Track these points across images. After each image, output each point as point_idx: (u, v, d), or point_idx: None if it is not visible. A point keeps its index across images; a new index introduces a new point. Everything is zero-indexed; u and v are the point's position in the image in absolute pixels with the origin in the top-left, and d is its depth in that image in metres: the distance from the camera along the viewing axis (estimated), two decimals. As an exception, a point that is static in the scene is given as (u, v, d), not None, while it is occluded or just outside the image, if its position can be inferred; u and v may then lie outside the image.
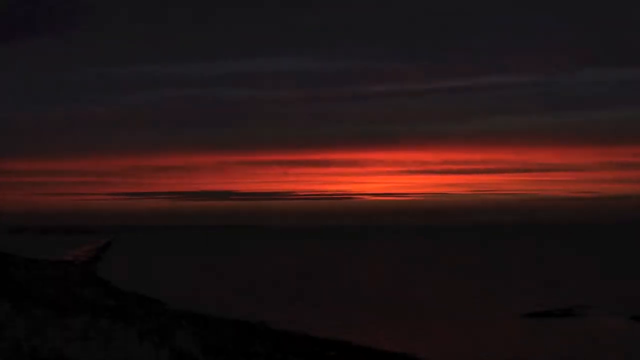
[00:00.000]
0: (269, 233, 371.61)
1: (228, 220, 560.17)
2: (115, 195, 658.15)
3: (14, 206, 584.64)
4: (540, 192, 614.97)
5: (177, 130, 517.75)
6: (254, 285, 71.00)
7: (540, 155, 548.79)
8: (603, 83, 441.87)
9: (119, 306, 47.97)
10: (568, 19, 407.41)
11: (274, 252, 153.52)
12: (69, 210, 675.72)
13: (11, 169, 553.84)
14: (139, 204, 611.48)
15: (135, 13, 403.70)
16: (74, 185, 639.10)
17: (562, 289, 62.39)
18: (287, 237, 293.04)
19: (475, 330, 39.81)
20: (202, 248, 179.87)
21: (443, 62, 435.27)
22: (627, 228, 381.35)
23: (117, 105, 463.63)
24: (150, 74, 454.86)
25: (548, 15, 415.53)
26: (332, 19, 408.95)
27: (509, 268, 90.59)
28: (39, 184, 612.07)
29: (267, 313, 48.51)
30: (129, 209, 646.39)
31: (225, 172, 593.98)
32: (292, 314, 48.44)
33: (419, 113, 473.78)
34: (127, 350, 22.45)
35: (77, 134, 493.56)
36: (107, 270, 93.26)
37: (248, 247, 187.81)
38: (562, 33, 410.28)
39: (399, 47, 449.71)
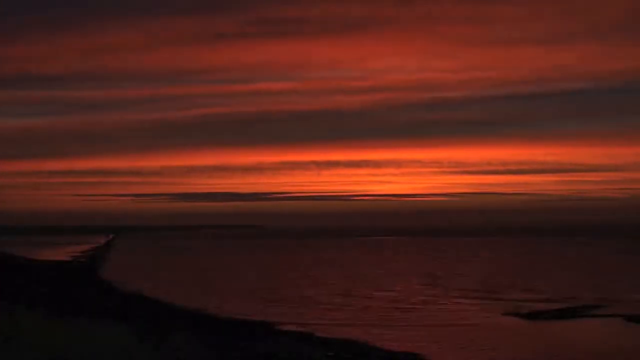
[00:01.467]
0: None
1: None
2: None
3: (15, 206, 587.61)
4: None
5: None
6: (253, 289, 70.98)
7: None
8: None
9: (118, 306, 47.97)
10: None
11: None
12: (69, 210, 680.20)
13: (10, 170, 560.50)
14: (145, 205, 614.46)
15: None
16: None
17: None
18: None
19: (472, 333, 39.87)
20: (218, 249, 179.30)
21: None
22: None
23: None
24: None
25: None
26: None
27: None
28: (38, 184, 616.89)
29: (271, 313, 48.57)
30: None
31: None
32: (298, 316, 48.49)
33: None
34: (126, 351, 22.43)
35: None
36: (108, 270, 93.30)
37: (276, 247, 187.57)
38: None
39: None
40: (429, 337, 38.18)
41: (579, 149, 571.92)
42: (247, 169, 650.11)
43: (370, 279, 75.60)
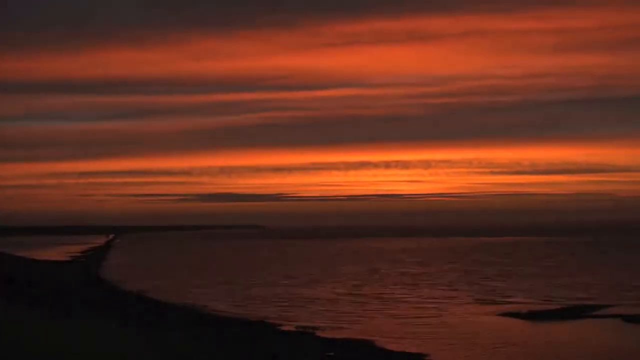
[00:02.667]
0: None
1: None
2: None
3: (14, 207, 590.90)
4: None
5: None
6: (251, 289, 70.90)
7: None
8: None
9: (119, 306, 48.02)
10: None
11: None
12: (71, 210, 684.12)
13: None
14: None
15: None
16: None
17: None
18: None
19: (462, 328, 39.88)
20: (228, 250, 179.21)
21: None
22: None
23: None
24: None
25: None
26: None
27: None
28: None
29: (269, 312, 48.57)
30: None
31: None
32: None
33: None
34: (127, 350, 22.52)
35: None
36: (108, 271, 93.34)
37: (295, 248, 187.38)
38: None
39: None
40: (428, 337, 38.19)
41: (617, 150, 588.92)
42: (277, 170, 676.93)
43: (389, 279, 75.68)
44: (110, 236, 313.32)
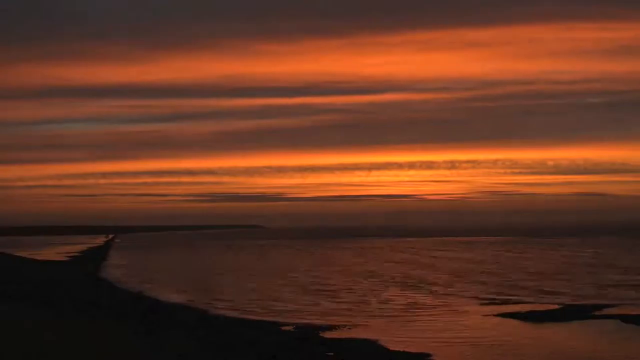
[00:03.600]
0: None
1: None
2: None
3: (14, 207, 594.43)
4: None
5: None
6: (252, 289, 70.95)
7: None
8: None
9: (119, 306, 48.07)
10: None
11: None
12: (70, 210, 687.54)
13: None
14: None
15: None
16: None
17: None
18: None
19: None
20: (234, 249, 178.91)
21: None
22: None
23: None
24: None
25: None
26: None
27: None
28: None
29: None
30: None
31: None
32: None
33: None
34: (127, 349, 22.58)
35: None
36: (108, 270, 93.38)
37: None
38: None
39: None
40: (428, 336, 38.24)
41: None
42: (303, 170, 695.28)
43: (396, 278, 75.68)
44: (110, 236, 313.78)
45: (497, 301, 54.01)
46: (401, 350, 34.15)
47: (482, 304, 52.46)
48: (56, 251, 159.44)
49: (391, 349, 34.49)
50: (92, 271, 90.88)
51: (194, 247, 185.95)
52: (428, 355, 33.01)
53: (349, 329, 41.15)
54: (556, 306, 50.45)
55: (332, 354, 32.26)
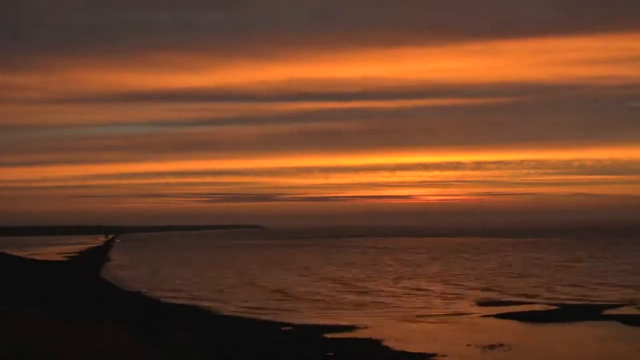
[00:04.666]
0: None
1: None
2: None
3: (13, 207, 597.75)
4: None
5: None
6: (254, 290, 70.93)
7: None
8: None
9: (119, 306, 48.03)
10: None
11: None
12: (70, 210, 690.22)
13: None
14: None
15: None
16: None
17: None
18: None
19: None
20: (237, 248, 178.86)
21: None
22: None
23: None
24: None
25: None
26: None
27: None
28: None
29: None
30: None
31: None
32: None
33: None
34: (126, 350, 22.48)
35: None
36: (108, 270, 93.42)
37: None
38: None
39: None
40: (433, 337, 38.19)
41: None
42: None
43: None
44: (110, 236, 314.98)
45: (502, 302, 53.97)
46: (402, 350, 34.08)
47: (482, 305, 52.45)
48: (55, 251, 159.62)
49: (392, 349, 34.42)
50: (93, 271, 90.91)
51: (225, 248, 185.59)
52: (430, 355, 32.94)
53: (350, 329, 41.11)
54: (556, 307, 50.47)
55: (332, 354, 32.17)
